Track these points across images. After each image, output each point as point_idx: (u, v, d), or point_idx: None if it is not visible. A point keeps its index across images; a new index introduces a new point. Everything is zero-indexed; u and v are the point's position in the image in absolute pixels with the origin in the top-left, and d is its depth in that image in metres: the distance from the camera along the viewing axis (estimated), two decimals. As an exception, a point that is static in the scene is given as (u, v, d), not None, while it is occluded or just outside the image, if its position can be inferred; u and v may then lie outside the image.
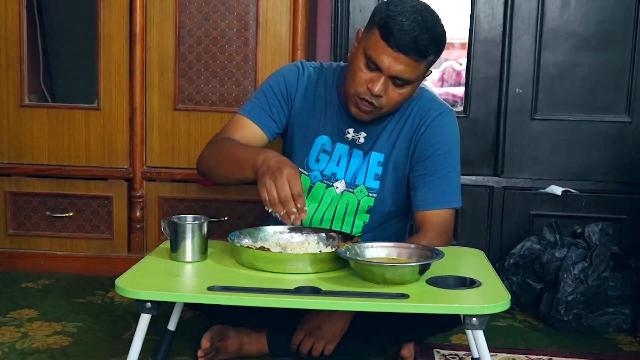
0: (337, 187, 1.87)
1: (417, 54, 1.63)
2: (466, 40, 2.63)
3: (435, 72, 4.67)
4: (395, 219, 1.92)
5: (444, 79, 4.68)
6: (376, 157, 1.84)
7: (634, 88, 2.56)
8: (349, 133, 1.85)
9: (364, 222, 1.88)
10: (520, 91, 2.59)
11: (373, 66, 1.66)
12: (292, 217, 1.51)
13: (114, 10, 2.55)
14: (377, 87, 1.66)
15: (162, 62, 2.56)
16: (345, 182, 1.86)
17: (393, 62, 1.64)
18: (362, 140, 1.84)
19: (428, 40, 1.63)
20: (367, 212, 1.87)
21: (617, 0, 2.53)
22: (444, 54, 3.90)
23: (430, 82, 4.57)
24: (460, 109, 2.70)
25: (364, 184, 1.85)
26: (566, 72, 2.58)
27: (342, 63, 1.92)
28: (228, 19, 2.53)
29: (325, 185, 1.87)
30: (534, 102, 2.60)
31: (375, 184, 1.85)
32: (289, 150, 1.92)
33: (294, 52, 2.48)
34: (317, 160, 1.87)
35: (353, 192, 1.86)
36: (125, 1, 2.54)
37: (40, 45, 2.75)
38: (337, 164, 1.86)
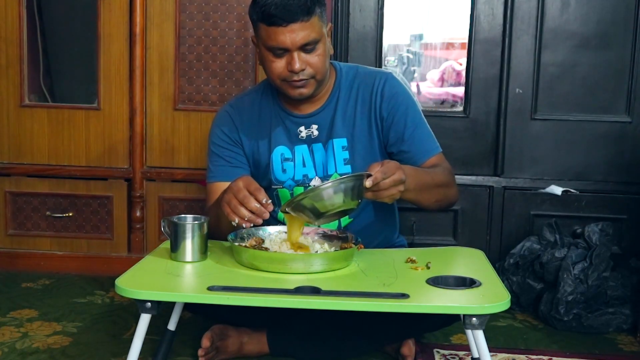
0: (314, 186, 1.88)
1: (301, 14, 1.68)
2: (466, 40, 2.63)
3: (435, 72, 4.65)
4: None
5: (444, 79, 4.65)
6: (339, 143, 1.87)
7: (634, 88, 2.55)
8: (301, 132, 1.88)
9: None
10: (520, 91, 2.59)
11: (280, 51, 1.72)
12: (257, 212, 1.51)
13: (114, 10, 2.55)
14: (297, 64, 1.72)
15: (162, 62, 2.57)
16: (320, 178, 1.88)
17: (290, 35, 1.69)
18: (316, 133, 1.88)
19: None
20: None
21: (617, 0, 2.53)
22: (444, 53, 3.87)
23: (431, 82, 4.56)
24: (460, 109, 2.70)
25: (336, 171, 1.88)
26: (566, 72, 2.58)
27: (266, 78, 1.93)
28: (228, 19, 2.53)
29: (303, 188, 1.89)
30: (534, 102, 2.59)
31: (347, 169, 1.88)
32: (254, 176, 1.91)
33: (294, 52, 2.48)
34: (284, 170, 1.89)
35: None
36: (125, 1, 2.54)
37: (40, 45, 2.76)
38: (304, 165, 1.89)
